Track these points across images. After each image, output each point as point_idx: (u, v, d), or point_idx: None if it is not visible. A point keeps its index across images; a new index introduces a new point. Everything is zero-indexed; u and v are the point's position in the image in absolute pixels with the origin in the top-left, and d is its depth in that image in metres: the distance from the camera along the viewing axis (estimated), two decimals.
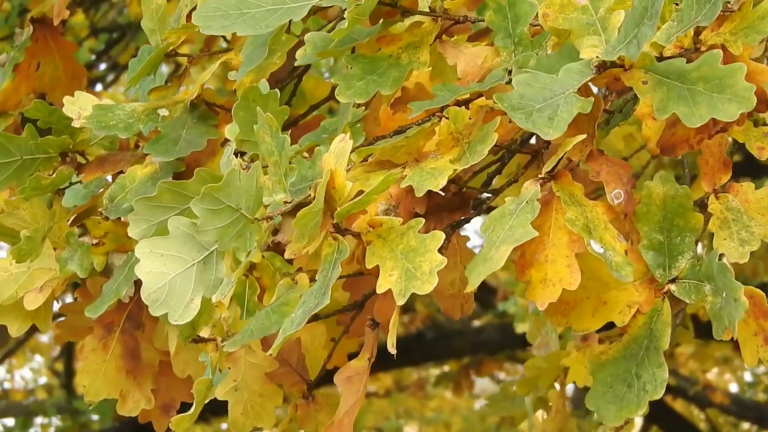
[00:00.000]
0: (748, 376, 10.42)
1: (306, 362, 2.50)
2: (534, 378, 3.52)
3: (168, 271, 2.05)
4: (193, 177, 2.14)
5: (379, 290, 1.97)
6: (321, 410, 2.50)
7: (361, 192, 2.02)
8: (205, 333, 2.31)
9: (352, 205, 2.01)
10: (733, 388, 10.40)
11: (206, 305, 2.24)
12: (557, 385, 3.53)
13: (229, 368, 2.41)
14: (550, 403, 3.48)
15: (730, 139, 2.13)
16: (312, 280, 2.13)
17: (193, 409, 2.19)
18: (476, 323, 9.15)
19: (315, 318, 2.42)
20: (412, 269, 1.95)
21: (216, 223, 2.02)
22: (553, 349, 3.52)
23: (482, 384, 11.99)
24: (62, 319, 2.71)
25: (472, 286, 1.94)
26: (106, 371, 2.62)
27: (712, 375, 9.72)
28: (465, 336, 8.83)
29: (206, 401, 2.31)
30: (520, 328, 7.49)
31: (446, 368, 10.31)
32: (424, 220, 2.01)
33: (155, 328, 2.64)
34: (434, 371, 10.89)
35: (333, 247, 2.04)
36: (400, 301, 1.95)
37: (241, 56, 2.45)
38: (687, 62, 1.95)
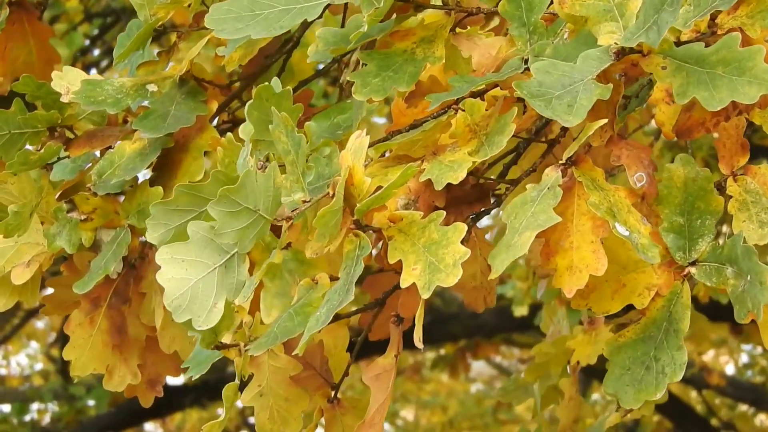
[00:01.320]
0: (744, 358, 10.46)
1: (329, 365, 2.48)
2: (543, 364, 3.52)
3: (190, 277, 2.04)
4: (209, 179, 2.13)
5: (403, 285, 1.97)
6: (347, 413, 2.49)
7: (380, 187, 2.02)
8: (226, 339, 2.30)
9: (372, 200, 2.00)
10: (730, 369, 10.44)
11: (227, 310, 2.23)
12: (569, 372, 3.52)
13: (253, 374, 2.39)
14: (563, 390, 3.47)
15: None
16: (332, 279, 2.13)
17: (223, 414, 2.19)
18: None
19: (336, 318, 2.43)
20: (435, 262, 1.95)
21: (234, 226, 2.01)
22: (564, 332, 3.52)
23: (478, 367, 12.03)
24: (49, 293, 2.70)
25: (496, 273, 1.94)
26: (93, 346, 2.61)
27: (708, 357, 9.74)
28: (461, 319, 8.84)
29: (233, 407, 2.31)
30: (518, 311, 7.51)
31: (442, 351, 10.33)
32: (444, 213, 2.00)
33: (142, 303, 2.63)
34: (430, 355, 10.90)
35: (354, 244, 2.03)
36: (425, 295, 1.94)
37: (216, 33, 2.43)
38: (705, 46, 1.95)
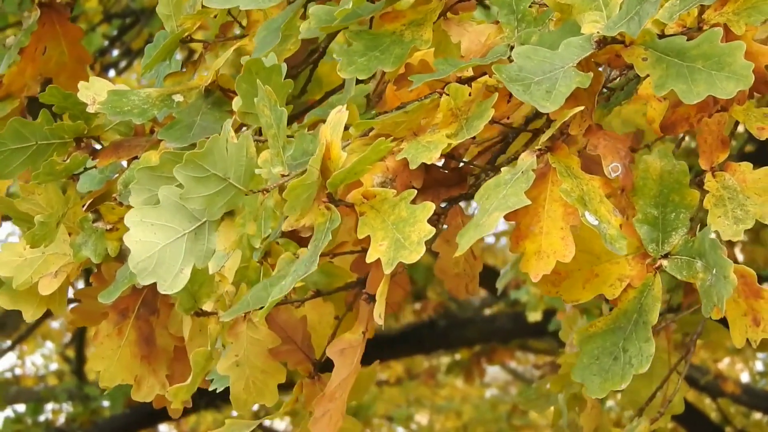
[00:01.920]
0: (759, 366, 10.40)
1: (312, 341, 2.47)
2: (568, 374, 3.50)
3: (157, 241, 2.04)
4: (197, 147, 2.13)
5: (369, 260, 1.98)
6: None
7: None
8: (208, 307, 2.31)
9: (344, 173, 2.01)
10: (745, 377, 10.38)
11: (205, 277, 2.23)
12: None
13: (231, 343, 2.39)
14: (586, 399, 3.46)
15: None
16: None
17: (190, 379, 2.19)
18: (488, 312, 9.14)
19: (318, 294, 2.43)
20: (401, 239, 1.95)
21: (201, 191, 2.02)
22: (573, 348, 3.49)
23: (493, 372, 12.01)
24: (77, 304, 2.71)
25: (461, 251, 1.94)
26: (121, 357, 2.61)
27: (723, 365, 9.69)
28: (477, 324, 8.82)
29: (205, 373, 2.31)
30: (532, 317, 7.49)
31: (457, 356, 10.32)
32: (416, 192, 2.01)
33: (170, 313, 2.62)
34: (445, 359, 10.90)
35: (326, 217, 2.04)
36: (387, 270, 1.95)
37: (255, 42, 2.45)
38: (688, 40, 1.94)
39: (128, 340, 2.61)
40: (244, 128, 2.39)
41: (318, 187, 2.04)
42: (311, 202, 2.04)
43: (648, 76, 1.97)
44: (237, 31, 2.76)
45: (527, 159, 2.00)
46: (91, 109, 2.52)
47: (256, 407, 2.59)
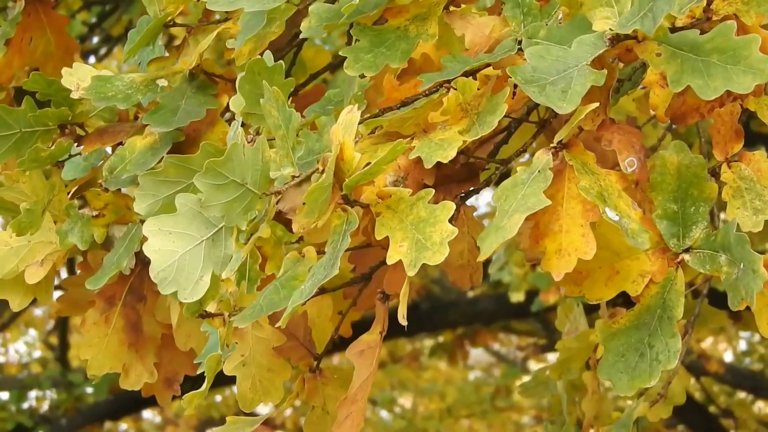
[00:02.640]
0: (743, 345, 10.44)
1: (313, 336, 2.48)
2: (566, 360, 3.50)
3: (176, 249, 2.02)
4: (199, 151, 2.12)
5: (390, 261, 1.96)
6: (328, 384, 2.48)
7: (369, 163, 2.01)
8: (211, 308, 2.29)
9: (360, 175, 1.99)
10: (728, 357, 10.43)
11: (213, 280, 2.22)
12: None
13: (236, 343, 2.38)
14: (586, 385, 3.46)
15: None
16: (320, 252, 2.11)
17: (204, 385, 2.18)
18: (470, 294, 9.15)
19: (321, 291, 2.42)
20: (422, 240, 1.94)
21: (221, 198, 2.00)
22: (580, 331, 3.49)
23: (476, 354, 12.02)
24: (63, 293, 2.69)
25: (484, 255, 1.93)
26: (108, 345, 2.61)
27: (706, 344, 9.72)
28: (460, 306, 8.83)
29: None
30: (515, 297, 7.50)
31: (441, 339, 10.32)
32: (434, 191, 1.99)
33: (157, 300, 2.62)
34: (428, 342, 10.91)
35: (342, 219, 2.03)
36: (411, 272, 1.93)
37: (239, 25, 2.43)
38: (700, 33, 1.93)
39: (115, 328, 2.61)
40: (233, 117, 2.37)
41: (332, 189, 2.02)
42: (327, 203, 2.03)
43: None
44: (218, 15, 2.74)
45: (543, 157, 1.99)
46: (75, 96, 2.51)
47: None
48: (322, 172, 2.03)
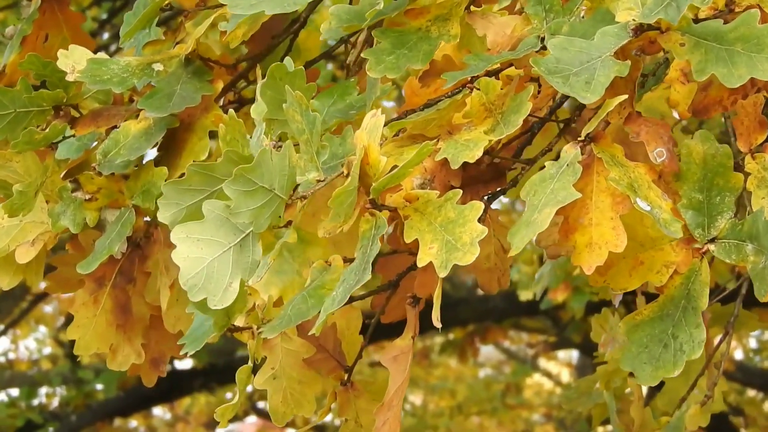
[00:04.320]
0: (753, 343, 10.44)
1: (342, 348, 2.46)
2: (613, 371, 3.50)
3: (205, 256, 2.02)
4: (222, 158, 2.11)
5: (420, 264, 1.95)
6: (360, 396, 2.47)
7: (395, 166, 2.00)
8: (239, 322, 2.29)
9: (388, 179, 1.98)
10: (738, 355, 10.42)
11: (240, 292, 2.21)
12: None
13: (266, 357, 2.37)
14: (630, 394, 3.46)
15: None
16: (345, 261, 2.11)
17: (236, 397, 2.17)
18: (481, 291, 9.14)
19: (349, 300, 2.42)
20: (452, 241, 1.93)
21: (250, 205, 1.99)
22: (620, 342, 3.49)
23: (487, 352, 12.02)
24: (53, 272, 2.68)
25: (516, 250, 1.93)
26: (97, 325, 2.60)
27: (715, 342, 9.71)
28: (470, 304, 8.83)
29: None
30: (524, 295, 7.49)
31: (451, 336, 10.32)
32: (461, 192, 1.99)
33: (146, 282, 2.61)
34: (439, 339, 10.90)
35: (370, 223, 2.02)
36: (442, 273, 1.93)
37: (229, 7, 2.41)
38: (723, 23, 1.93)
39: (104, 309, 2.61)
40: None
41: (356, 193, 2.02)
42: (352, 207, 2.02)
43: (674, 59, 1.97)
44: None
45: (571, 151, 1.99)
46: (70, 78, 2.51)
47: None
48: (347, 175, 2.02)
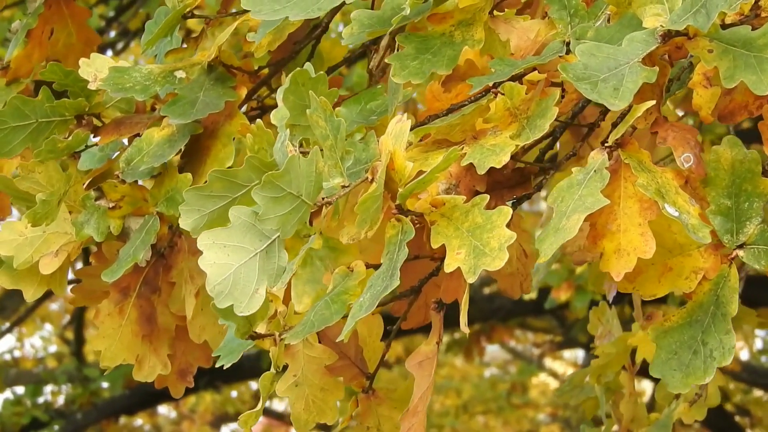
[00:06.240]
0: (759, 344, 10.43)
1: (364, 355, 2.44)
2: (605, 365, 3.51)
3: (232, 262, 2.01)
4: (243, 165, 2.11)
5: (448, 269, 1.95)
6: (382, 404, 2.45)
7: (421, 172, 2.00)
8: (261, 329, 2.28)
9: (415, 184, 1.98)
10: (744, 355, 10.43)
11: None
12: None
13: (287, 364, 2.36)
14: (623, 388, 3.47)
15: None
16: (368, 266, 2.10)
17: (259, 405, 2.17)
18: (486, 291, 9.15)
19: None
20: (480, 246, 1.92)
21: (278, 211, 1.98)
22: (617, 336, 3.50)
23: (492, 351, 12.02)
24: (77, 284, 2.68)
25: (545, 257, 1.92)
26: (122, 336, 2.60)
27: None
28: (476, 303, 8.83)
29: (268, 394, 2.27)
30: (527, 294, 7.48)
31: (456, 335, 10.32)
32: (488, 197, 1.98)
33: (171, 292, 2.61)
34: (444, 338, 10.89)
35: (397, 229, 2.01)
36: (471, 279, 1.92)
37: (252, 14, 2.41)
38: (752, 29, 1.93)
39: (129, 319, 2.61)
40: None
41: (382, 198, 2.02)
42: (378, 213, 2.02)
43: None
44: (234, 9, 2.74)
45: (598, 157, 1.98)
46: (92, 86, 2.51)
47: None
48: (371, 181, 2.02)
